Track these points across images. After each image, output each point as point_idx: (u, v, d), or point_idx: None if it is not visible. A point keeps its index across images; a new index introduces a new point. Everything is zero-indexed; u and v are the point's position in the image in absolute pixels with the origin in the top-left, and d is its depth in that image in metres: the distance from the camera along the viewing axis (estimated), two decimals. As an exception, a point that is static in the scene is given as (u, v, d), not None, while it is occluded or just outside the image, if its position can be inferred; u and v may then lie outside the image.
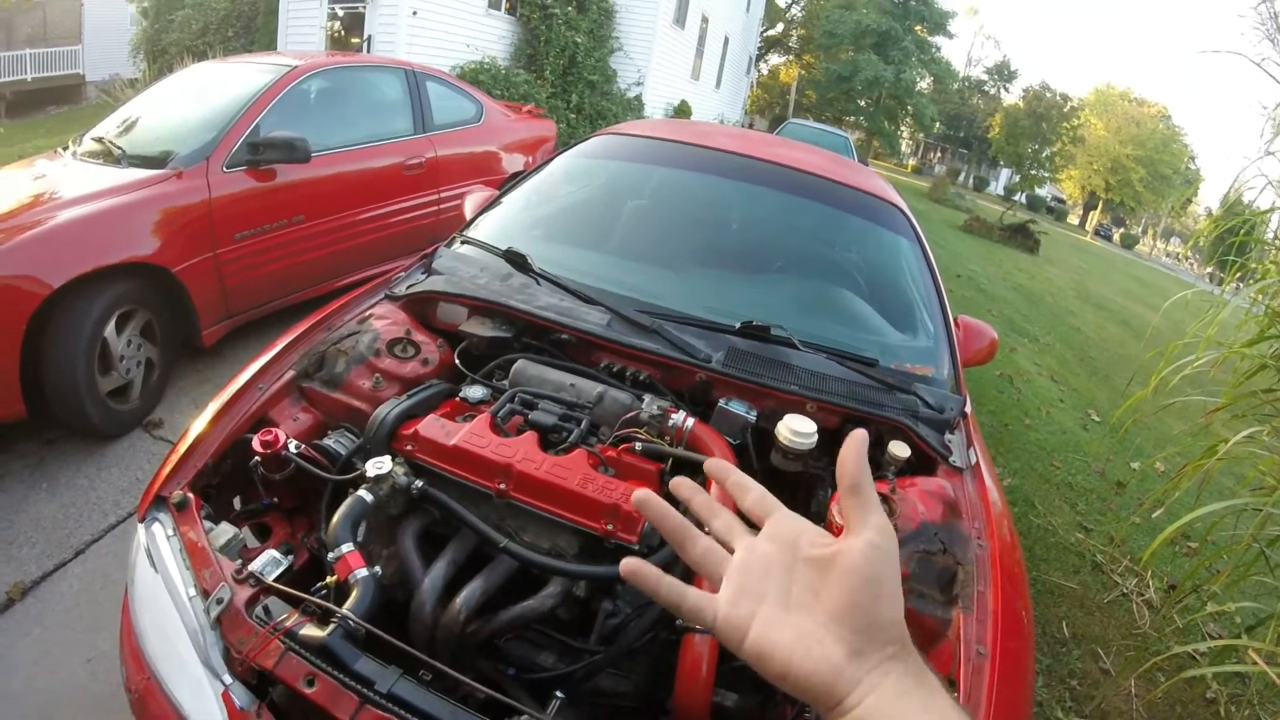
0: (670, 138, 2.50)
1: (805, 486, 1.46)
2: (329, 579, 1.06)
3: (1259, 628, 2.20)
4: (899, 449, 1.41)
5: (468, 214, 2.30)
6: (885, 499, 1.25)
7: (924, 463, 1.45)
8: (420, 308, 1.74)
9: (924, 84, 29.92)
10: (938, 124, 35.79)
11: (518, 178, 2.48)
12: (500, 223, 2.16)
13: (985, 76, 42.09)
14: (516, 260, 1.75)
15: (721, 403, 1.44)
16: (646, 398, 1.40)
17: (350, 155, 3.83)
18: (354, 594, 1.01)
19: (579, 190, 2.43)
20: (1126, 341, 9.37)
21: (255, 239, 3.29)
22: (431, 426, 1.24)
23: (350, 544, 1.08)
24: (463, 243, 2.00)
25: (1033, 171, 35.16)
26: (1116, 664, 2.68)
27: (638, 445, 1.28)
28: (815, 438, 1.37)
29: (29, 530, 2.30)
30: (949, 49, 62.82)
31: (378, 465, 1.16)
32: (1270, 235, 2.80)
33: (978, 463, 1.49)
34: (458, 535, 1.17)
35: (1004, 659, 1.03)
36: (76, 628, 1.99)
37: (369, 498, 1.15)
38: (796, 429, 1.36)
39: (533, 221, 2.23)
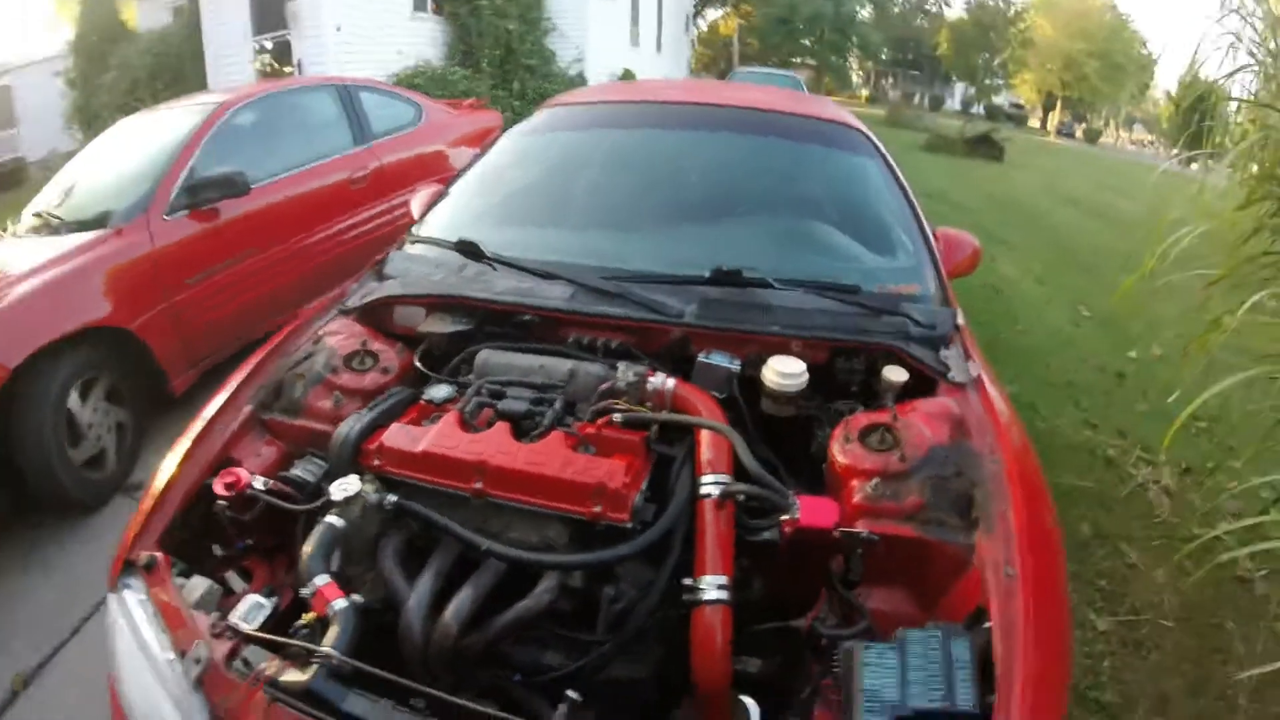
0: (616, 99, 2.42)
1: (801, 429, 1.39)
2: (307, 615, 0.99)
3: (1281, 502, 2.16)
4: (894, 373, 1.35)
5: (415, 213, 2.21)
6: (888, 429, 1.18)
7: (923, 384, 1.38)
8: (376, 317, 1.66)
9: (864, 12, 29.61)
10: (885, 50, 35.48)
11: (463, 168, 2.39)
12: (450, 215, 2.08)
13: (925, -4, 41.64)
14: (468, 249, 1.67)
15: (701, 357, 1.37)
16: (621, 365, 1.32)
17: (292, 180, 3.71)
18: (333, 629, 0.94)
19: (529, 168, 2.33)
20: (1104, 232, 9.30)
21: (208, 280, 3.19)
22: (396, 435, 1.17)
23: (324, 575, 1.01)
24: (413, 243, 1.92)
25: (987, 82, 34.97)
26: (1142, 558, 2.64)
27: (616, 416, 1.21)
28: (805, 377, 1.30)
29: (26, 620, 2.24)
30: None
31: (343, 487, 1.09)
32: (1235, 94, 2.72)
33: (979, 375, 1.42)
34: (441, 545, 1.10)
35: (1035, 577, 0.97)
36: (84, 708, 1.92)
37: (339, 523, 1.08)
38: (783, 370, 1.29)
39: (484, 208, 2.14)
